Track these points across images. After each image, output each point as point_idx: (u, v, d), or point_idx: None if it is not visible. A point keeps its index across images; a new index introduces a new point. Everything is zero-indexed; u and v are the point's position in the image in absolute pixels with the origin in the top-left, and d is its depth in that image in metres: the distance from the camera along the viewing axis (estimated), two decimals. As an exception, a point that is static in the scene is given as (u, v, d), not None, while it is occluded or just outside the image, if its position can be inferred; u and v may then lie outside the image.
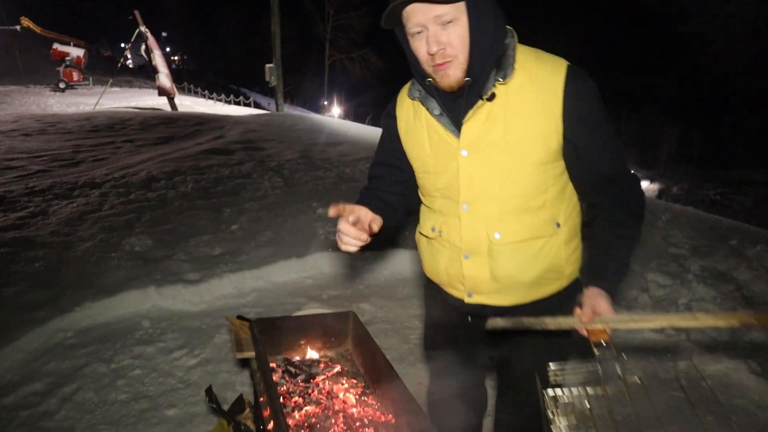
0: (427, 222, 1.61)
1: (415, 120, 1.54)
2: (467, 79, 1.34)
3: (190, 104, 21.89)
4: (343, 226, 1.41)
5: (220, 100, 26.99)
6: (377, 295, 4.03)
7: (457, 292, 1.59)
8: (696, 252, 4.31)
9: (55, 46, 27.22)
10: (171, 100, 18.05)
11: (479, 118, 1.39)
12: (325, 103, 38.83)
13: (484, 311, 1.53)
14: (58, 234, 4.69)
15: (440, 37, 1.30)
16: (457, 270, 1.53)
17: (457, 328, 1.68)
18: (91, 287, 3.84)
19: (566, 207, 1.49)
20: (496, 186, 1.41)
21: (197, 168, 6.74)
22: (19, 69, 30.63)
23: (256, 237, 4.64)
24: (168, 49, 68.11)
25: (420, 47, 1.35)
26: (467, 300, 1.56)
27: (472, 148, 1.41)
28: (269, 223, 4.94)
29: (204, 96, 28.41)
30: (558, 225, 1.46)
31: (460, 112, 1.40)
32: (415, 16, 1.30)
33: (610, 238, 1.42)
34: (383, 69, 35.13)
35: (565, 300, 1.55)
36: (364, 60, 35.38)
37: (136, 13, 17.20)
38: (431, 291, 1.76)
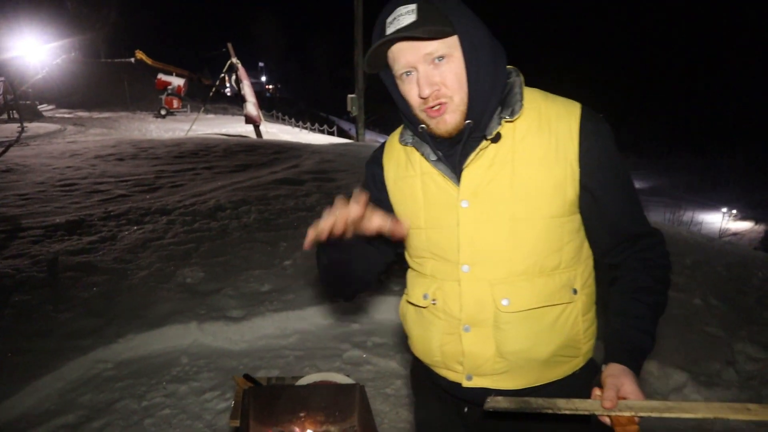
0: (416, 288, 1.36)
1: (407, 168, 1.33)
2: (468, 122, 1.17)
3: (276, 132, 22.71)
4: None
5: (306, 128, 27.84)
6: (424, 346, 3.76)
7: (454, 374, 1.32)
8: (799, 319, 3.72)
9: (159, 75, 29.34)
10: (257, 127, 18.79)
11: (482, 162, 1.20)
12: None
13: (485, 398, 1.24)
14: (120, 261, 4.81)
15: (432, 77, 1.14)
16: (455, 346, 1.28)
17: (452, 421, 1.40)
18: (137, 318, 3.86)
19: (583, 270, 1.28)
20: (504, 242, 1.20)
21: (264, 198, 6.80)
22: (126, 97, 33.26)
23: (306, 275, 4.52)
24: (264, 78, 71.82)
25: (410, 90, 1.19)
26: (465, 384, 1.29)
27: (474, 197, 1.21)
28: (321, 260, 4.82)
29: (291, 124, 29.44)
30: (575, 291, 1.24)
31: (460, 157, 1.22)
32: (402, 56, 1.15)
33: (634, 305, 1.20)
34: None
35: (579, 383, 1.29)
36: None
37: (229, 45, 18.18)
38: (420, 376, 1.48)
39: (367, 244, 1.31)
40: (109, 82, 38.64)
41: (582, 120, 1.18)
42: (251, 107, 18.46)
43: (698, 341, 3.50)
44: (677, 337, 3.50)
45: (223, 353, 3.67)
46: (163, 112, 27.75)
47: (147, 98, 34.10)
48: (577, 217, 1.24)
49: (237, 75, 18.55)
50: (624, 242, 1.24)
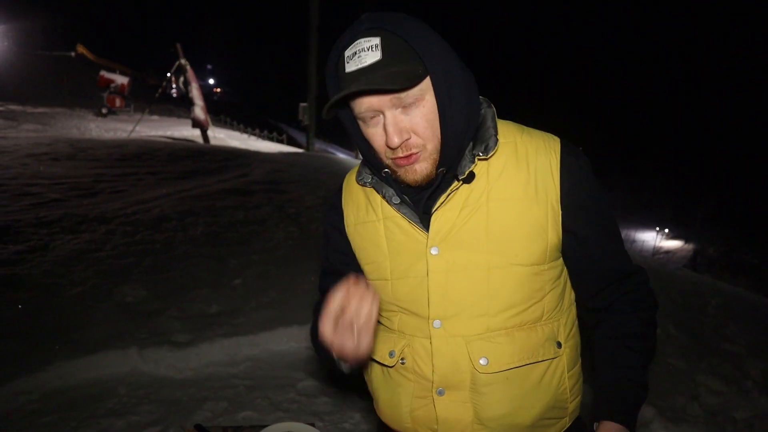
0: (381, 344, 1.22)
1: (368, 212, 1.21)
2: (441, 170, 1.07)
3: (224, 137, 22.10)
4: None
5: (254, 135, 27.26)
6: (384, 376, 3.56)
7: None
8: (755, 350, 3.75)
9: (102, 72, 28.07)
10: (204, 132, 18.21)
11: (454, 204, 1.10)
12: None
13: None
14: (50, 274, 4.39)
15: (402, 123, 1.01)
16: (428, 412, 1.15)
17: None
18: (69, 342, 3.48)
19: (567, 321, 1.18)
20: (480, 294, 1.09)
21: (212, 209, 6.46)
22: (64, 92, 31.60)
23: (258, 296, 4.25)
24: (211, 81, 70.26)
25: (375, 135, 1.06)
26: None
27: (445, 244, 1.10)
28: (275, 280, 4.56)
29: (239, 129, 28.76)
30: (559, 345, 1.14)
31: (429, 198, 1.11)
32: (365, 100, 1.01)
33: (625, 353, 1.11)
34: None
35: None
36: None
37: (178, 45, 17.57)
38: None
39: None
40: (46, 75, 36.60)
41: (562, 155, 1.10)
42: (199, 111, 17.88)
43: (662, 373, 3.46)
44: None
45: (166, 382, 3.35)
46: (104, 110, 26.47)
47: (87, 95, 32.46)
48: (560, 263, 1.15)
49: (186, 77, 17.92)
50: (611, 284, 1.15)
